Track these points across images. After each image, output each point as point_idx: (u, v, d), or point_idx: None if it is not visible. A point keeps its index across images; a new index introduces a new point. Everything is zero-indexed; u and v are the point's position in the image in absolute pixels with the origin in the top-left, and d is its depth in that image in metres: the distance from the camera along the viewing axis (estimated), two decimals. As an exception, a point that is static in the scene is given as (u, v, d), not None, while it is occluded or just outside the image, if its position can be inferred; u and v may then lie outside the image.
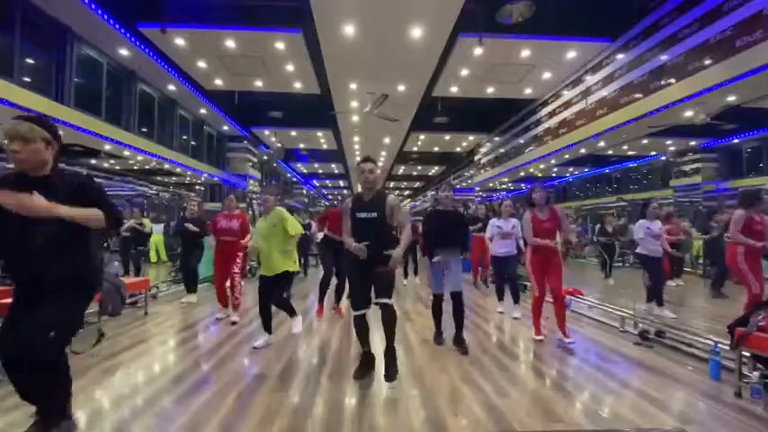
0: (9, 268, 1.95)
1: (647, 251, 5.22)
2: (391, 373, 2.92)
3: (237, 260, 5.17)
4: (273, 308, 3.94)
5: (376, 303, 2.98)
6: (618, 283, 7.69)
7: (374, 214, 2.95)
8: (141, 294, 5.43)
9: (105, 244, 8.25)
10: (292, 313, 4.07)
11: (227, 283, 5.14)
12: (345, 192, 31.48)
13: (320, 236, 5.40)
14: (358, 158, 19.09)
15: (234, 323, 4.78)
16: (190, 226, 5.82)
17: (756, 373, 2.73)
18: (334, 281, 5.37)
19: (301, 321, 4.20)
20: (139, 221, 7.87)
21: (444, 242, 3.96)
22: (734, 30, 5.94)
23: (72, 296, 1.94)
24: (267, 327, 3.87)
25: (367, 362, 3.11)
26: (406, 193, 34.08)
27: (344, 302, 5.33)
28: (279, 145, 16.14)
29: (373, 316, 3.08)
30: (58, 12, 7.14)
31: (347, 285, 5.40)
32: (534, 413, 2.49)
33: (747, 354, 2.81)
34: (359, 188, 3.26)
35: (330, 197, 29.66)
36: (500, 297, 5.53)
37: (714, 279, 6.55)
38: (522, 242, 5.33)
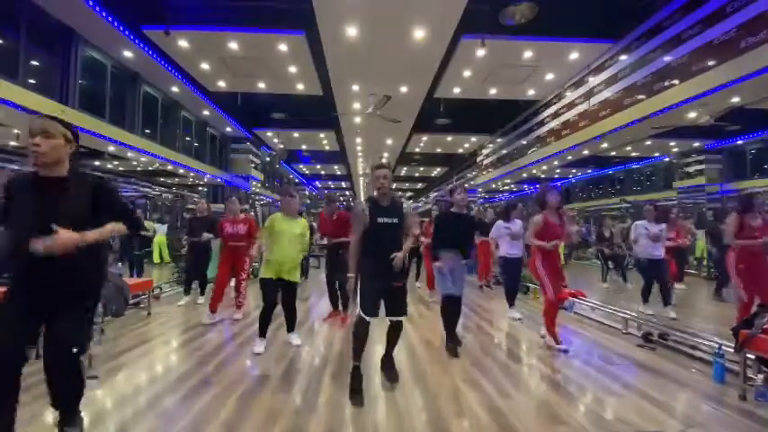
0: (21, 276, 1.94)
1: (642, 253, 5.18)
2: (392, 376, 2.98)
3: (245, 264, 5.14)
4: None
5: (392, 321, 2.95)
6: (620, 286, 7.65)
7: (395, 220, 2.91)
8: (144, 295, 5.44)
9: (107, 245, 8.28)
10: (293, 328, 3.96)
11: (233, 284, 5.13)
12: (347, 193, 31.45)
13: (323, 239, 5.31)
14: (360, 160, 19.04)
15: (236, 320, 4.83)
16: (205, 236, 5.70)
17: (761, 376, 2.71)
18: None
19: (298, 336, 4.03)
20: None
21: (455, 245, 3.83)
22: (738, 31, 5.92)
23: (82, 308, 1.99)
24: (263, 331, 3.77)
25: (358, 382, 2.81)
26: (408, 194, 34.08)
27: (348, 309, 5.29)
28: (281, 146, 16.18)
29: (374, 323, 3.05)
30: (62, 14, 7.19)
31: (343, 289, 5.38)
32: (537, 415, 2.48)
33: (752, 356, 2.79)
34: (362, 192, 3.26)
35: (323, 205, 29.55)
36: (511, 303, 5.25)
37: (720, 282, 6.50)
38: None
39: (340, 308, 5.06)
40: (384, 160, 3.11)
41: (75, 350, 1.90)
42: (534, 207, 4.26)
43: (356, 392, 2.73)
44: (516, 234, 5.19)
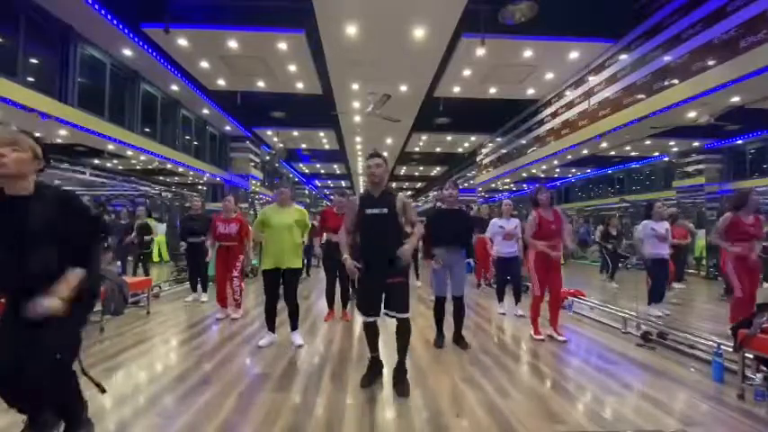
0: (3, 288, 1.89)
1: (650, 253, 5.19)
2: (403, 390, 2.76)
3: (237, 264, 5.16)
4: (278, 306, 3.90)
5: (391, 317, 2.85)
6: (620, 285, 7.66)
7: (384, 210, 2.80)
8: (143, 294, 5.44)
9: (105, 245, 8.26)
10: (296, 325, 3.92)
11: (228, 286, 5.14)
12: (347, 192, 31.37)
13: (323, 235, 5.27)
14: (360, 159, 18.97)
15: (234, 319, 4.84)
16: (202, 239, 5.72)
17: (760, 375, 2.72)
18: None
19: (301, 335, 3.99)
20: (146, 228, 7.81)
21: (448, 243, 3.87)
22: (738, 30, 5.91)
23: (72, 313, 1.85)
24: (272, 326, 3.86)
25: (374, 368, 2.97)
26: (408, 193, 34.09)
27: (348, 306, 5.31)
28: (281, 145, 16.16)
29: (380, 321, 3.05)
30: (61, 12, 7.16)
31: (349, 289, 5.38)
32: (536, 414, 2.48)
33: (750, 356, 2.80)
34: (361, 189, 3.24)
35: (333, 197, 29.58)
36: (500, 298, 5.50)
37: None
38: (521, 242, 5.33)
39: (334, 307, 5.09)
40: (384, 154, 3.04)
41: (58, 356, 1.75)
42: (528, 206, 4.41)
43: (366, 375, 2.90)
44: (510, 233, 5.20)
